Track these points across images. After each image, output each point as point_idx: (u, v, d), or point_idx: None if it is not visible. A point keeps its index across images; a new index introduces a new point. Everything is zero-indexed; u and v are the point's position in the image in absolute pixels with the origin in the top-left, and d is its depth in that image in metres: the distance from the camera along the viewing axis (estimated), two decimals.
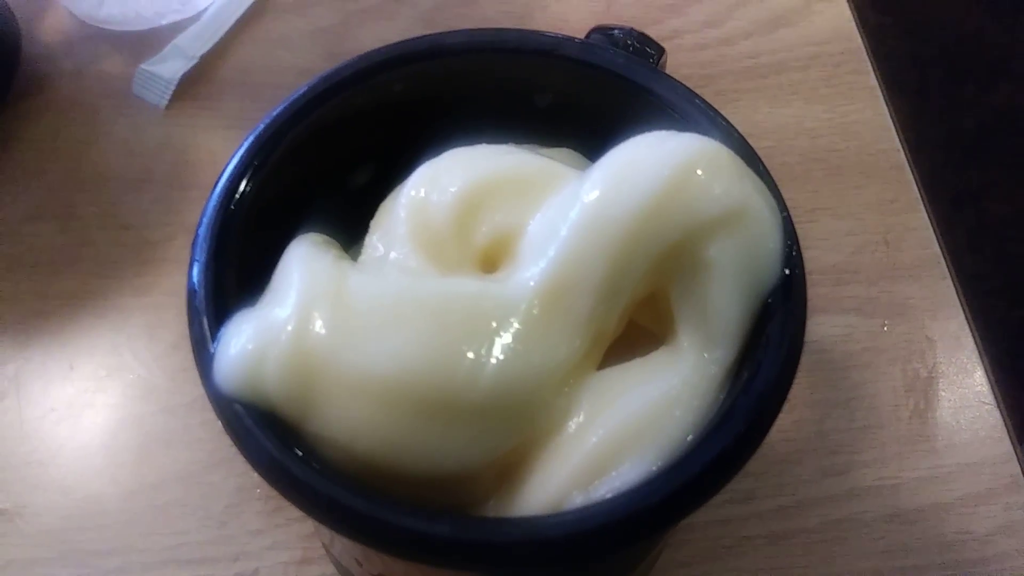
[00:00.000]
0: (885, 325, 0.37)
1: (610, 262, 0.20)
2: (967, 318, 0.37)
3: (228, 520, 0.32)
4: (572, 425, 0.20)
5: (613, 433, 0.20)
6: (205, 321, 0.20)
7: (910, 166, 0.42)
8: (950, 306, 0.38)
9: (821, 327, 0.37)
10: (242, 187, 0.22)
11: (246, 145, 0.22)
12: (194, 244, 0.21)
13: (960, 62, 0.48)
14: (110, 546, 0.32)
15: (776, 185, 0.22)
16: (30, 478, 0.33)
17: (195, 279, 0.20)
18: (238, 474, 0.33)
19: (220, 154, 0.41)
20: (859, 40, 0.45)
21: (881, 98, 0.43)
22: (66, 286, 0.37)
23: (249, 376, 0.19)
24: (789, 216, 0.22)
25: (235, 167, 0.22)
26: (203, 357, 0.20)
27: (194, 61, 0.43)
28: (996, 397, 0.36)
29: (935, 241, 0.39)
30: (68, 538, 0.32)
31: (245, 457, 0.19)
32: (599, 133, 0.23)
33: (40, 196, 0.40)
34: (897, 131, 0.42)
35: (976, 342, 0.37)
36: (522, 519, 0.19)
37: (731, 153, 0.21)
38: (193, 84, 0.43)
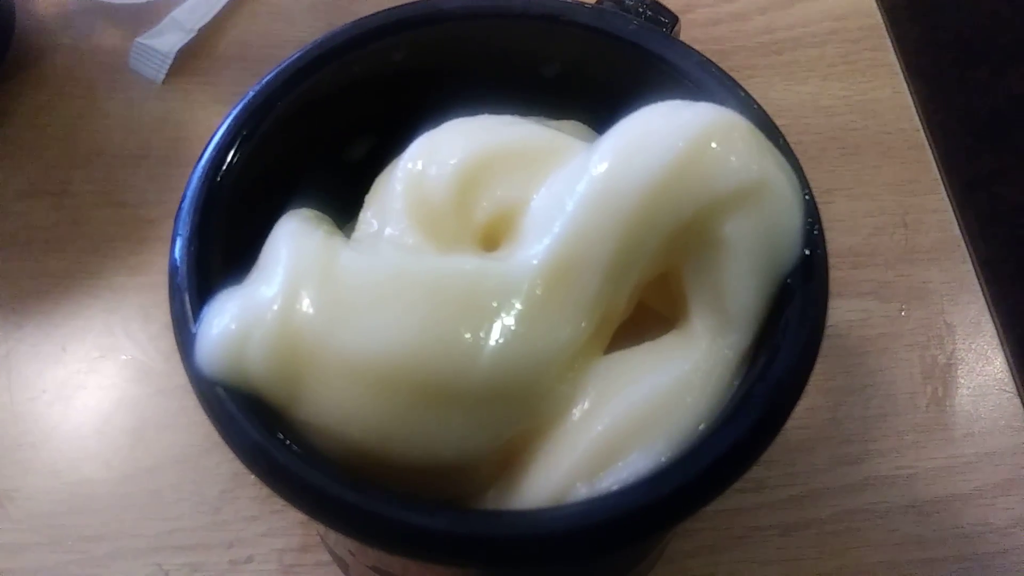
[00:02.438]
0: (903, 310, 0.36)
1: (619, 239, 0.19)
2: (987, 303, 0.37)
3: (223, 506, 0.32)
4: (577, 412, 0.19)
5: (620, 421, 0.19)
6: (187, 299, 0.19)
7: (930, 146, 0.41)
8: (970, 291, 0.37)
9: (837, 311, 0.36)
10: (229, 159, 0.21)
11: (233, 115, 0.22)
12: (177, 218, 0.20)
13: (976, 45, 0.47)
14: (102, 531, 0.31)
15: (797, 159, 0.21)
16: (21, 461, 0.33)
17: (177, 255, 0.20)
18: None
19: None
20: (878, 16, 0.45)
21: (900, 76, 0.43)
22: (59, 265, 0.37)
23: (232, 358, 0.18)
24: (811, 192, 0.21)
25: (222, 138, 0.21)
26: (185, 337, 0.19)
27: (192, 34, 0.42)
28: (1017, 385, 0.35)
29: (955, 224, 0.39)
30: (59, 523, 0.31)
31: (228, 444, 0.18)
32: (609, 104, 0.22)
33: (34, 172, 0.39)
34: (917, 110, 0.42)
35: (996, 328, 0.36)
36: (523, 512, 0.19)
37: (749, 124, 0.20)
38: (190, 58, 0.42)
